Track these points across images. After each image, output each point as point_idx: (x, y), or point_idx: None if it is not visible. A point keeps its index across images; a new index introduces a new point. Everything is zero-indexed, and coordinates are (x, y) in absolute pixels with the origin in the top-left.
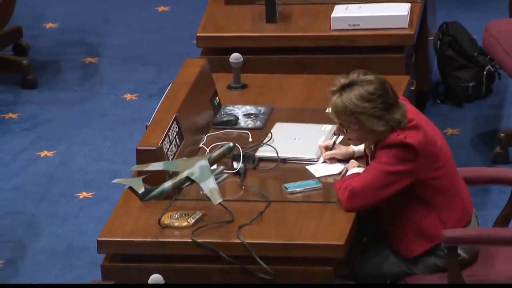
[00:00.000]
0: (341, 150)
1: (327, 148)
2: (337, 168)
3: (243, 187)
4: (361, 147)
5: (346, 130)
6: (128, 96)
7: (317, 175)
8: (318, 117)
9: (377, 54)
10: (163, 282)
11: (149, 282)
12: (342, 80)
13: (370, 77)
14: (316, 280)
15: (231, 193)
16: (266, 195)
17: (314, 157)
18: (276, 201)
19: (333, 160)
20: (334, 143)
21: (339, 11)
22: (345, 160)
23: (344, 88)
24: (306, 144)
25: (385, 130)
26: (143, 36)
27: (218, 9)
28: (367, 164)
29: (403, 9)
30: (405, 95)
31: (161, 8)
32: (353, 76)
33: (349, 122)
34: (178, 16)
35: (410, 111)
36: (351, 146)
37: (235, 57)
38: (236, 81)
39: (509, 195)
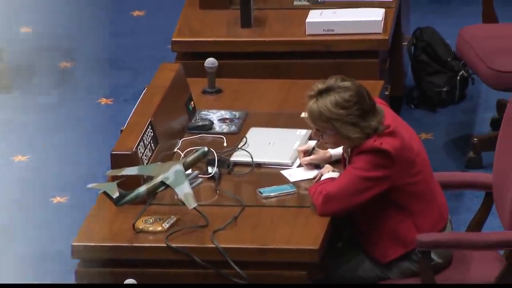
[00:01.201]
0: (318, 155)
1: (306, 153)
2: (312, 173)
3: (217, 191)
4: (339, 149)
5: (322, 135)
6: (103, 101)
7: (291, 179)
8: (293, 122)
9: (351, 59)
10: None
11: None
12: (320, 85)
13: (347, 83)
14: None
15: (205, 197)
16: (240, 199)
17: (288, 161)
18: (250, 206)
19: (310, 165)
20: (314, 148)
21: (314, 16)
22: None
23: (320, 93)
24: (281, 149)
25: (360, 137)
26: (118, 41)
27: (193, 14)
28: (345, 167)
29: (377, 14)
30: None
31: (136, 13)
32: (331, 81)
33: (325, 128)
34: (153, 21)
35: (388, 116)
36: (329, 150)
37: (210, 61)
38: (211, 86)
39: (482, 199)
